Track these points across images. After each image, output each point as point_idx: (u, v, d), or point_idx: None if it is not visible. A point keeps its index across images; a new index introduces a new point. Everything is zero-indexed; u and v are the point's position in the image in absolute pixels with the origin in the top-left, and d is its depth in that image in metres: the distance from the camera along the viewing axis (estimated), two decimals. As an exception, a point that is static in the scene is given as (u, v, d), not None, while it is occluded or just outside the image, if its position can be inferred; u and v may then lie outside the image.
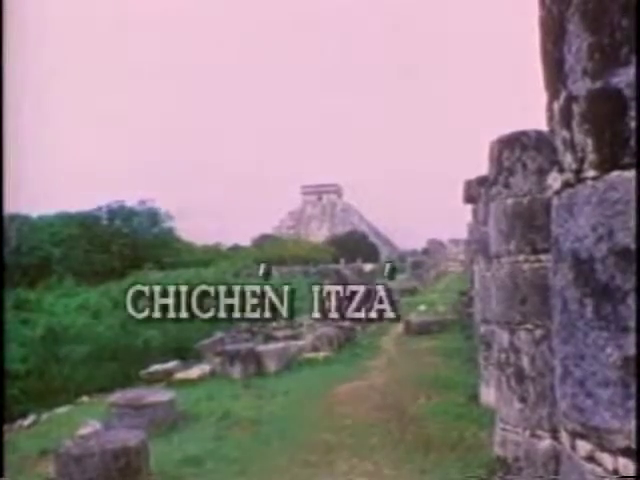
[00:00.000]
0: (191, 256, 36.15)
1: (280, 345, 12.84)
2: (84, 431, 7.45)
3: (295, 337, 14.49)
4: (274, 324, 16.37)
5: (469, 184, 10.42)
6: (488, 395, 7.76)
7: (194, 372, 11.78)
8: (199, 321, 18.08)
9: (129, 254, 33.08)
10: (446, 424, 7.66)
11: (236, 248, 53.53)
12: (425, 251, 48.76)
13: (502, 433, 5.03)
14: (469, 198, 10.79)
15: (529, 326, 4.71)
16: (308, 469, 6.47)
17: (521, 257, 4.78)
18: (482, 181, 8.15)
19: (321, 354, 13.06)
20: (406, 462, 6.50)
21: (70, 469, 5.59)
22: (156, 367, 12.39)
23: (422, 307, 21.53)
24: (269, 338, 14.55)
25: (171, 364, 12.51)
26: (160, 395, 8.78)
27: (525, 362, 4.73)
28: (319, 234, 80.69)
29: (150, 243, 35.95)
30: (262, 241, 62.15)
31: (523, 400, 4.74)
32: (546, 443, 4.57)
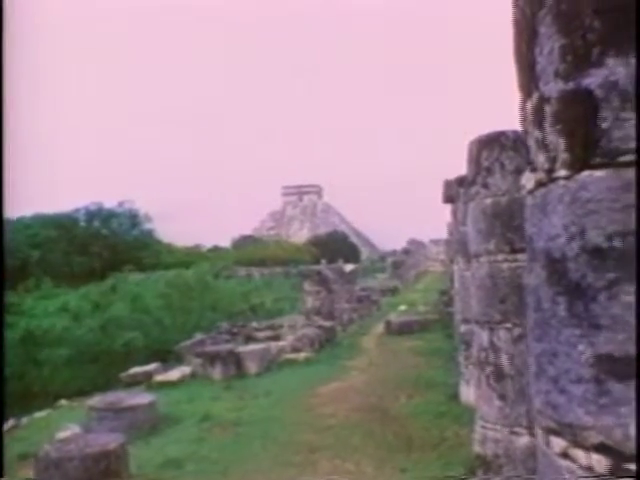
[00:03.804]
0: (171, 257, 36.02)
1: (261, 346, 12.81)
2: (63, 435, 7.39)
3: (276, 338, 14.47)
4: (255, 325, 16.37)
5: (448, 184, 10.47)
6: (468, 394, 7.80)
7: (174, 374, 11.72)
8: (179, 323, 18.08)
9: (109, 256, 32.91)
10: (427, 423, 7.69)
11: (216, 249, 53.40)
12: (405, 251, 48.85)
13: (482, 431, 5.06)
14: (448, 198, 10.84)
15: (508, 325, 4.75)
16: (290, 469, 6.46)
17: (500, 257, 4.82)
18: (461, 181, 8.20)
19: (302, 355, 13.05)
20: (388, 461, 6.52)
21: (50, 473, 5.54)
22: (136, 369, 12.32)
23: (403, 307, 21.61)
24: (250, 339, 14.52)
25: (151, 366, 12.44)
26: (140, 398, 8.73)
27: (504, 361, 4.77)
28: (300, 235, 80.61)
29: (130, 245, 35.81)
30: (242, 242, 62.06)
31: (502, 398, 4.77)
32: (525, 440, 4.61)
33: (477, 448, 5.18)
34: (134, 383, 11.64)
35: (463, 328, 8.07)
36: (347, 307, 19.10)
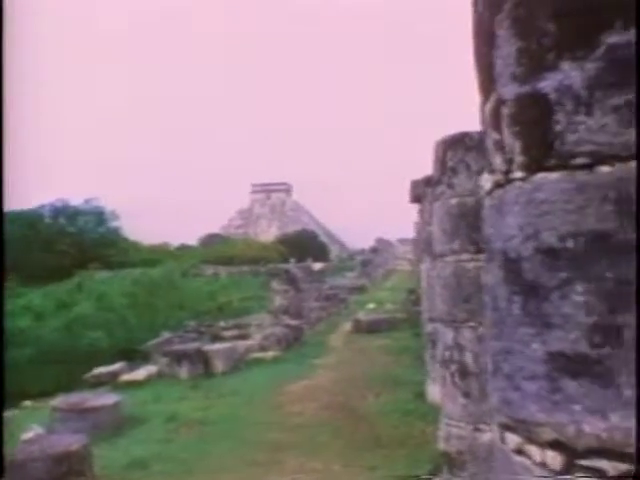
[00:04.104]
0: (138, 255, 35.73)
1: (228, 345, 12.77)
2: (27, 436, 7.29)
3: (243, 337, 14.45)
4: (222, 324, 16.32)
5: (416, 184, 10.53)
6: (435, 392, 7.87)
7: (140, 374, 11.62)
8: (146, 321, 17.91)
9: (75, 253, 32.51)
10: (395, 421, 7.75)
11: (184, 248, 53.07)
12: (373, 250, 49.09)
13: (447, 428, 5.11)
14: (416, 198, 10.91)
15: (473, 324, 4.79)
16: (257, 468, 6.46)
17: (465, 256, 4.86)
18: (428, 181, 8.25)
19: (269, 353, 13.05)
20: (355, 459, 6.55)
21: (13, 474, 5.47)
22: (101, 369, 12.18)
23: (371, 305, 21.68)
24: (217, 338, 14.47)
25: (117, 366, 12.32)
26: (104, 398, 8.65)
27: (469, 359, 4.82)
28: (268, 233, 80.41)
29: (96, 242, 35.45)
30: (209, 240, 61.77)
31: (466, 396, 4.82)
32: (488, 437, 4.67)
33: (442, 445, 5.23)
34: (99, 383, 11.51)
35: (429, 327, 8.13)
36: (315, 306, 19.14)
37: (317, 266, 25.82)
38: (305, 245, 55.42)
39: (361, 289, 29.34)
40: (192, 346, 12.45)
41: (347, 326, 16.99)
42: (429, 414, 7.45)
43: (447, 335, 5.01)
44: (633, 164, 1.10)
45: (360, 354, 12.79)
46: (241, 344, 13.27)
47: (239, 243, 55.74)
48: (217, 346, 12.61)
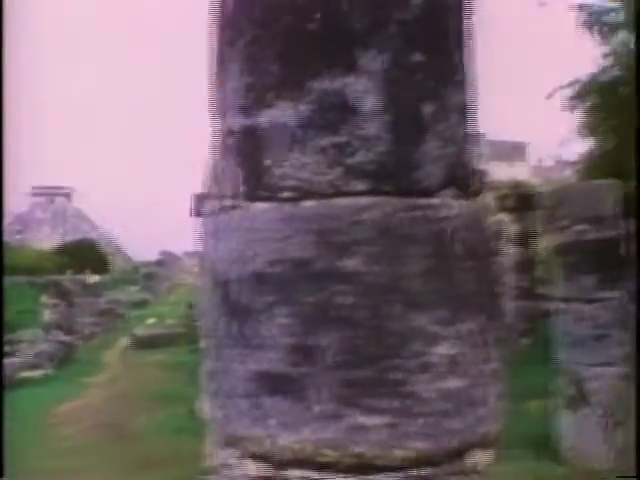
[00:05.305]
0: None
1: (-10, 364, 11.77)
2: None
3: (10, 354, 13.40)
4: (-14, 340, 15.05)
5: (197, 198, 10.57)
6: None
7: None
8: None
9: None
10: (166, 438, 7.64)
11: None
12: (159, 262, 47.98)
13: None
14: (198, 212, 10.93)
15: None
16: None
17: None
18: (205, 196, 8.31)
19: (39, 372, 12.29)
20: (123, 480, 6.37)
21: None
22: None
23: (151, 320, 21.21)
24: (-22, 357, 13.28)
25: None
26: None
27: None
28: (51, 241, 75.43)
29: None
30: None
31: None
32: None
33: (209, 461, 5.27)
34: None
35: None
36: (90, 321, 18.37)
37: (94, 278, 24.76)
38: (85, 255, 52.65)
39: (143, 303, 28.64)
40: (-54, 367, 11.30)
41: (124, 342, 16.52)
42: (201, 430, 7.44)
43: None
44: (334, 201, 1.23)
45: (135, 370, 12.46)
46: (7, 363, 12.31)
47: (15, 251, 51.60)
48: (-24, 365, 11.57)
